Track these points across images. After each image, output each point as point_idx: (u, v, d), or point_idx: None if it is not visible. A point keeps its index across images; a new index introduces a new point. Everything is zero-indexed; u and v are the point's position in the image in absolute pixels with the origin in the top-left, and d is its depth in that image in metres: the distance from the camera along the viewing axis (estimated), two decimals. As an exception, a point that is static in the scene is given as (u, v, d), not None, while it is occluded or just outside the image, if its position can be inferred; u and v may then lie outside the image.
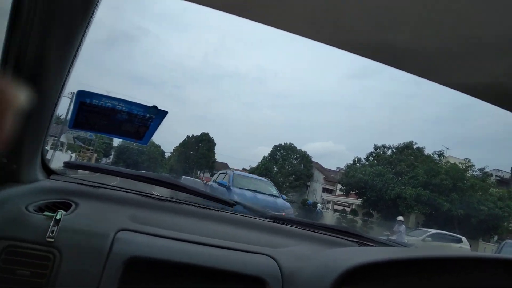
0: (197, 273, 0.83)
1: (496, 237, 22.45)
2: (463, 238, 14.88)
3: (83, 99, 0.88)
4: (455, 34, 0.66)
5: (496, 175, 26.51)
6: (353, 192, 26.82)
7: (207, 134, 43.29)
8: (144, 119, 0.97)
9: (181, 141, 44.30)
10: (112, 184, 1.18)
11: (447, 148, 26.35)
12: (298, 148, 38.28)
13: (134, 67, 62.95)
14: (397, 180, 23.74)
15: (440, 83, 0.84)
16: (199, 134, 43.62)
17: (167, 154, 47.55)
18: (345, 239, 1.22)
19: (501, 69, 0.73)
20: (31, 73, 0.73)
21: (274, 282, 0.84)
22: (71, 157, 22.71)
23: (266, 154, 38.64)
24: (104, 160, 43.54)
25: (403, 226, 11.19)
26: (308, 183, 37.42)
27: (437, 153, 25.11)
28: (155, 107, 0.97)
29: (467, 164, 23.65)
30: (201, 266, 0.82)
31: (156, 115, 0.98)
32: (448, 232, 15.21)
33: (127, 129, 0.98)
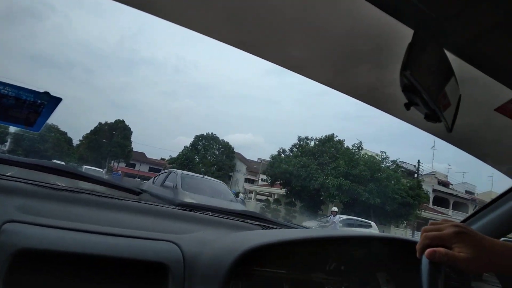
0: (96, 264, 0.81)
1: (405, 223, 26.02)
2: (373, 224, 16.91)
3: None
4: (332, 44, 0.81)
5: (402, 167, 29.68)
6: (278, 182, 28.19)
7: (123, 121, 40.69)
8: (34, 105, 0.96)
9: (92, 129, 40.88)
10: (8, 174, 1.09)
11: (361, 142, 28.84)
12: (220, 138, 38.59)
13: (37, 47, 56.40)
14: (321, 171, 25.12)
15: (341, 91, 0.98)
16: (113, 121, 40.86)
17: (76, 142, 43.50)
18: (250, 223, 1.31)
19: (375, 79, 0.90)
20: None
21: (176, 267, 0.85)
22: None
23: (187, 144, 38.17)
24: None
25: (337, 216, 12.38)
26: (231, 174, 37.85)
27: (356, 145, 27.04)
28: (47, 93, 0.96)
29: (382, 156, 26.23)
30: (98, 255, 0.80)
31: (49, 101, 0.97)
32: (360, 218, 17.20)
33: (15, 115, 0.95)
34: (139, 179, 27.61)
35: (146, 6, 0.76)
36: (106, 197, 1.11)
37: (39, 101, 0.96)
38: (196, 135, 38.55)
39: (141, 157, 43.29)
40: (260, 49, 0.89)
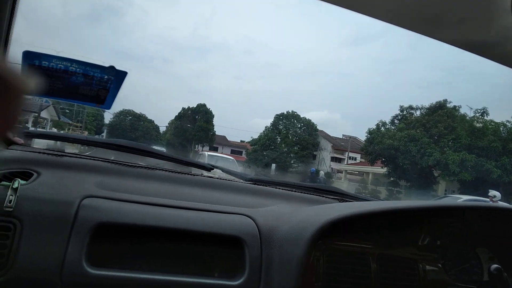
0: (171, 237, 0.86)
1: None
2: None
3: (31, 61, 0.88)
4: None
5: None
6: (380, 160, 25.03)
7: (204, 105, 42.89)
8: (102, 81, 0.98)
9: (176, 114, 44.19)
10: (86, 154, 1.20)
11: (471, 108, 24.81)
12: (301, 116, 38.19)
13: (119, 42, 64.54)
14: (434, 144, 21.73)
15: (441, 40, 0.85)
16: (195, 106, 43.48)
17: (162, 129, 47.77)
18: (326, 197, 1.28)
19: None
20: None
21: (252, 241, 0.87)
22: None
23: (262, 126, 38.62)
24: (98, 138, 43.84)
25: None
26: (315, 153, 37.40)
27: (479, 111, 22.42)
28: (112, 67, 0.97)
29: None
30: (174, 228, 0.85)
31: (115, 76, 0.98)
32: (483, 198, 15.02)
33: (85, 92, 0.98)
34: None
35: None
36: (180, 173, 1.16)
37: (106, 77, 0.97)
38: (276, 114, 38.73)
39: (223, 140, 45.47)
40: None
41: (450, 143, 21.28)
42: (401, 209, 0.98)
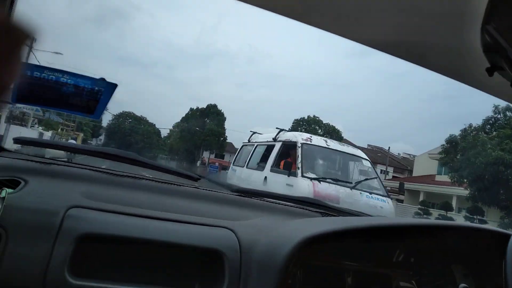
0: (154, 248, 0.98)
1: None
2: None
3: (23, 71, 1.04)
4: None
5: None
6: (465, 181, 20.66)
7: (215, 106, 42.73)
8: (92, 92, 1.14)
9: (184, 115, 44.42)
10: (72, 160, 1.35)
11: None
12: (324, 121, 37.76)
13: (123, 47, 70.28)
14: None
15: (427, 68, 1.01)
16: (204, 107, 43.50)
17: (164, 133, 48.28)
18: (309, 210, 1.42)
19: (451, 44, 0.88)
20: None
21: (232, 254, 0.99)
22: (41, 134, 22.79)
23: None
24: (94, 141, 44.81)
25: None
26: None
27: None
28: (103, 79, 1.14)
29: None
30: (157, 240, 0.97)
31: (105, 87, 1.14)
32: None
33: (76, 103, 1.15)
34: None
35: None
36: (166, 182, 1.30)
37: (96, 88, 1.14)
38: (296, 119, 38.46)
39: (231, 148, 45.10)
40: (321, 19, 0.93)
41: None
42: (378, 226, 1.13)
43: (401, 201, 28.24)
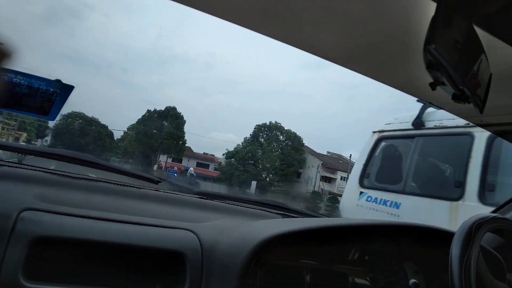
0: (114, 252, 0.99)
1: None
2: None
3: None
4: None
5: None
6: None
7: (174, 108, 42.06)
8: (47, 94, 1.15)
9: (140, 117, 43.53)
10: (25, 162, 1.32)
11: None
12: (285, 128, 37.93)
13: (77, 47, 67.50)
14: None
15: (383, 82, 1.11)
16: (163, 109, 42.84)
17: (118, 135, 47.06)
18: (270, 212, 1.49)
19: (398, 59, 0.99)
20: None
21: (193, 255, 1.02)
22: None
23: (221, 139, 38.35)
24: (39, 142, 42.87)
25: None
26: (300, 171, 37.19)
27: None
28: (58, 81, 1.15)
29: None
30: (116, 243, 0.98)
31: (61, 89, 1.16)
32: None
33: (29, 103, 1.15)
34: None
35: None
36: (125, 185, 1.31)
37: (51, 89, 1.15)
38: (257, 125, 38.62)
39: (189, 152, 44.37)
40: (278, 32, 1.00)
41: None
42: (334, 226, 1.22)
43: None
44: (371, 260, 1.33)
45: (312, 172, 36.56)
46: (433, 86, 0.70)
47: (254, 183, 30.23)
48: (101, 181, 1.28)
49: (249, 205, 1.51)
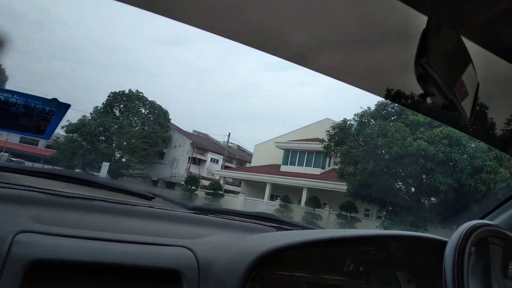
0: (110, 272, 1.05)
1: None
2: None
3: None
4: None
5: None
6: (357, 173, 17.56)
7: None
8: (43, 113, 1.22)
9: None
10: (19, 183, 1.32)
11: None
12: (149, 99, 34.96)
13: None
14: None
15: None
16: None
17: None
18: (264, 225, 1.65)
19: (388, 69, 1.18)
20: None
21: (190, 273, 1.10)
22: None
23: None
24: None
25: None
26: (165, 151, 34.79)
27: None
28: (55, 100, 1.22)
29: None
30: (112, 263, 1.04)
31: (57, 108, 1.23)
32: None
33: (25, 123, 1.20)
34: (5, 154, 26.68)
35: None
36: (119, 203, 1.40)
37: (48, 108, 1.22)
38: (113, 92, 34.50)
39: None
40: (255, 40, 1.16)
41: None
42: (329, 239, 1.40)
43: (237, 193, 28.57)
44: (365, 270, 1.48)
45: (179, 152, 34.43)
46: (423, 97, 0.75)
47: (106, 164, 27.31)
48: (95, 199, 1.36)
49: (243, 218, 1.65)
